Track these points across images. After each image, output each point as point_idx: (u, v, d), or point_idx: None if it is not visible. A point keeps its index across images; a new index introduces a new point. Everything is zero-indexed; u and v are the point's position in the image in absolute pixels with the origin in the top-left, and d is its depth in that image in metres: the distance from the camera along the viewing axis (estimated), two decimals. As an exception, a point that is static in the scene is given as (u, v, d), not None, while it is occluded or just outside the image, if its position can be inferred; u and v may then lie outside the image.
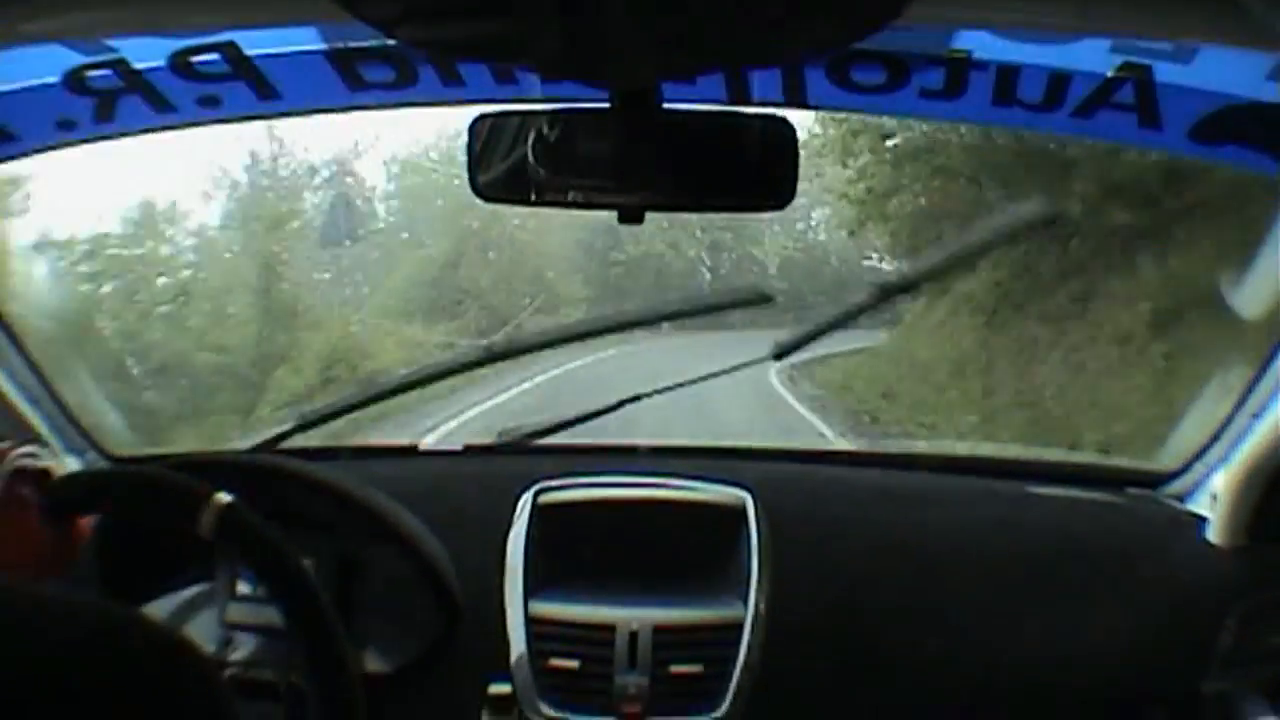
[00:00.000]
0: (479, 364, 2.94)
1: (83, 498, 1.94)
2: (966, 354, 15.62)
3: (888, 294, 2.63)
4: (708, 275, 26.43)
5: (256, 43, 2.10)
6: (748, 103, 2.22)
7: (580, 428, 2.89)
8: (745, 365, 2.94)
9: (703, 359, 3.08)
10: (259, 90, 2.22)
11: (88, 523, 1.97)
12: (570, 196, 1.76)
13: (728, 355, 3.01)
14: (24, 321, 2.53)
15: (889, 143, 16.41)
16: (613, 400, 2.91)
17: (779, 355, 2.85)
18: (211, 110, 2.28)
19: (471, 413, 13.70)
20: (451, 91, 2.26)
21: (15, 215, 12.48)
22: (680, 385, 2.99)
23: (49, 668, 1.12)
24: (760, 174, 1.76)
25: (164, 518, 1.97)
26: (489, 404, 14.23)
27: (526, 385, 15.56)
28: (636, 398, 2.95)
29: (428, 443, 3.06)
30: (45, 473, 1.87)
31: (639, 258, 24.81)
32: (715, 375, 3.02)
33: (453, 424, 12.64)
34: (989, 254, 2.92)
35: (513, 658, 2.39)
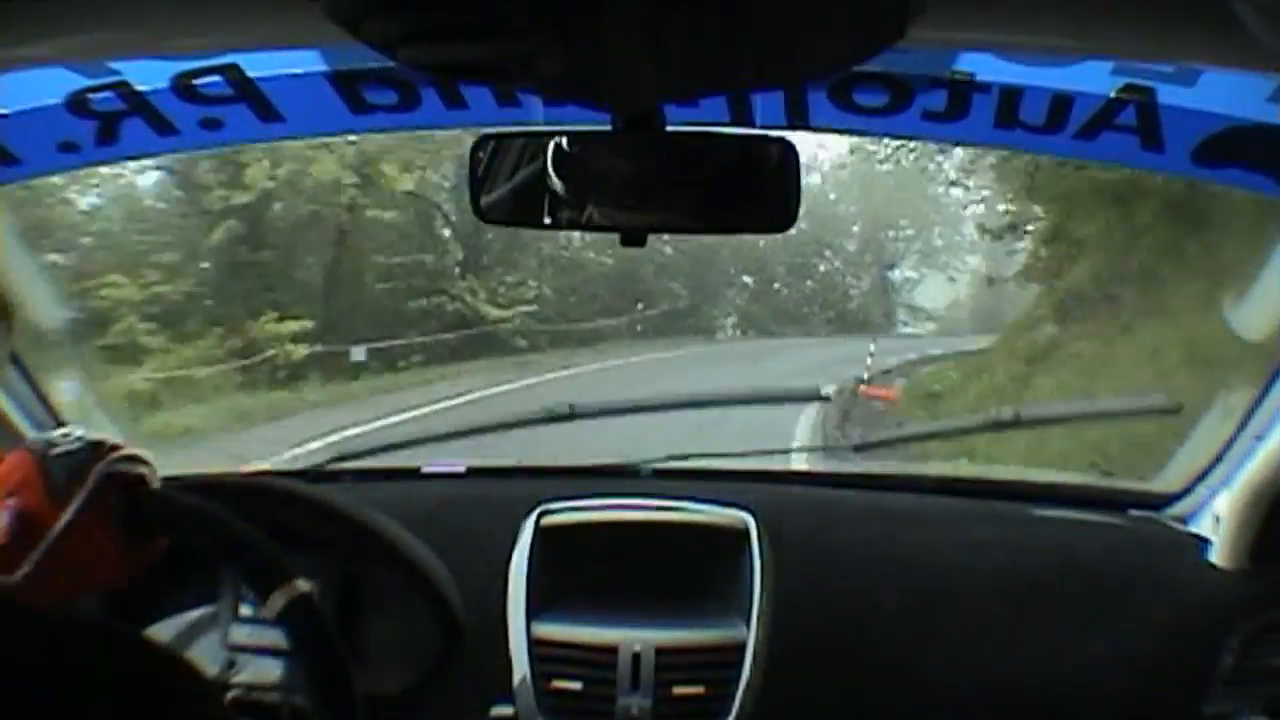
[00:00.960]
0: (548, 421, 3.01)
1: (171, 524, 1.87)
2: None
3: (995, 427, 2.70)
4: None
5: (259, 65, 2.10)
6: (750, 125, 2.22)
7: (580, 448, 2.91)
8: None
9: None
10: (261, 113, 2.22)
11: (163, 542, 1.91)
12: (571, 218, 1.77)
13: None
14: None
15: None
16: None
17: (859, 448, 2.94)
18: (214, 133, 2.28)
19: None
20: (454, 114, 2.26)
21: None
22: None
23: (53, 687, 1.12)
24: (763, 195, 1.77)
25: (239, 574, 1.96)
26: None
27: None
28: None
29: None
30: (139, 481, 1.82)
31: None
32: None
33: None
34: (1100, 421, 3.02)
35: (515, 679, 2.39)
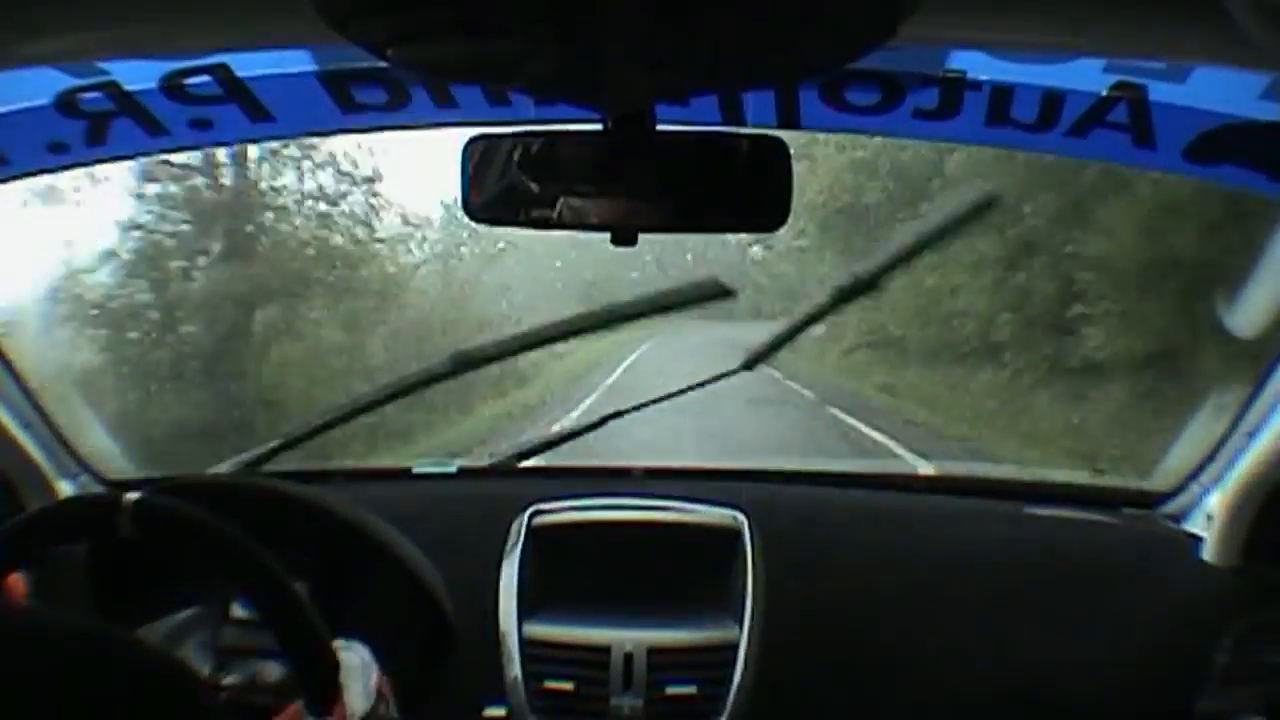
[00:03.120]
0: (452, 374, 2.93)
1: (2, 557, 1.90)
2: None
3: (847, 295, 2.63)
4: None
5: (248, 65, 2.09)
6: (741, 124, 2.22)
7: (571, 449, 2.90)
8: (720, 377, 2.94)
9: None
10: (251, 112, 2.22)
11: (16, 579, 1.95)
12: (563, 218, 1.76)
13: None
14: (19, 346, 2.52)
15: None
16: (593, 419, 2.93)
17: (749, 365, 2.85)
18: (203, 132, 2.27)
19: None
20: (444, 113, 2.25)
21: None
22: (659, 400, 3.00)
23: (43, 689, 1.12)
24: (754, 195, 1.76)
25: (86, 535, 1.97)
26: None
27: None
28: (618, 414, 2.95)
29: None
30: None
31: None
32: (692, 389, 3.03)
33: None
34: (937, 243, 2.88)
35: (508, 680, 2.39)
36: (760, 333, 2.85)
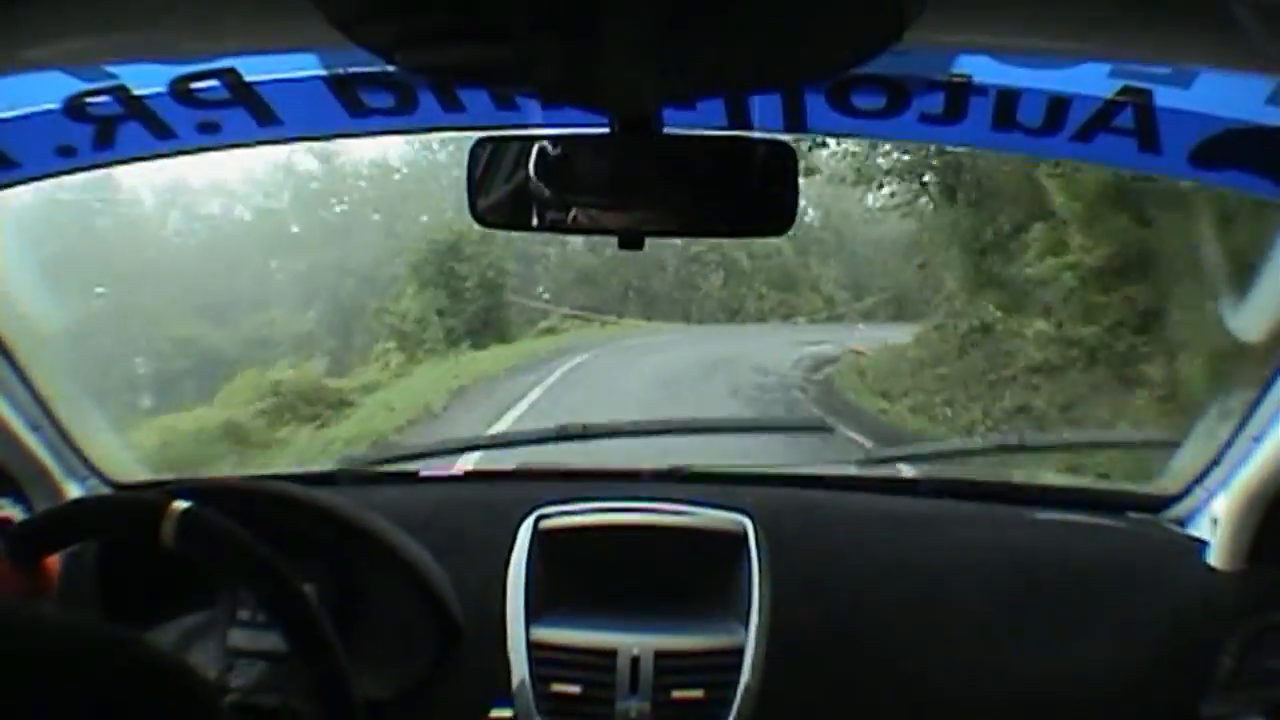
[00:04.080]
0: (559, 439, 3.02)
1: (43, 538, 1.90)
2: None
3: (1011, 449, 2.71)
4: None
5: (257, 69, 2.10)
6: (748, 128, 2.22)
7: (578, 452, 2.91)
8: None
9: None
10: (259, 116, 2.22)
11: (54, 562, 1.94)
12: (570, 221, 1.76)
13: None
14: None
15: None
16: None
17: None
18: (212, 136, 2.27)
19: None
20: (452, 117, 2.26)
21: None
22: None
23: (51, 689, 1.12)
24: (761, 198, 1.76)
25: (127, 534, 1.97)
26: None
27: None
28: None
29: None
30: (2, 521, 1.85)
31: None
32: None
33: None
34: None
35: (514, 683, 2.39)
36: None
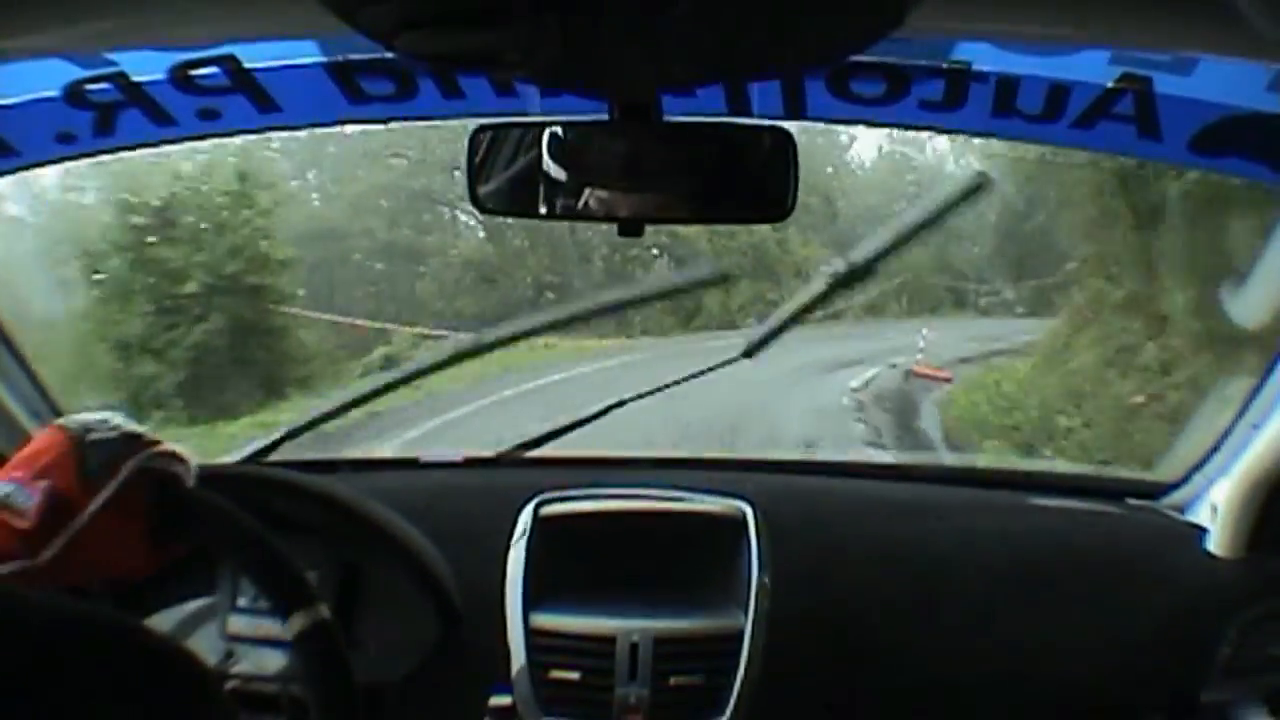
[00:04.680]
0: (452, 362, 2.94)
1: (201, 528, 1.86)
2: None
3: (843, 281, 2.63)
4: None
5: (256, 55, 2.10)
6: (748, 114, 2.22)
7: (577, 440, 2.90)
8: (721, 365, 2.95)
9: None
10: (259, 103, 2.22)
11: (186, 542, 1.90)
12: (568, 208, 1.76)
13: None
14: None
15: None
16: (596, 407, 2.93)
17: (749, 353, 2.85)
18: (211, 123, 2.28)
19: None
20: (451, 104, 2.26)
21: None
22: (662, 388, 3.01)
23: (49, 676, 1.12)
24: (761, 185, 1.76)
25: (261, 588, 1.94)
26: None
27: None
28: (621, 403, 2.95)
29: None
30: (174, 479, 1.80)
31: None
32: (694, 376, 3.03)
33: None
34: (931, 228, 2.88)
35: (513, 669, 2.39)
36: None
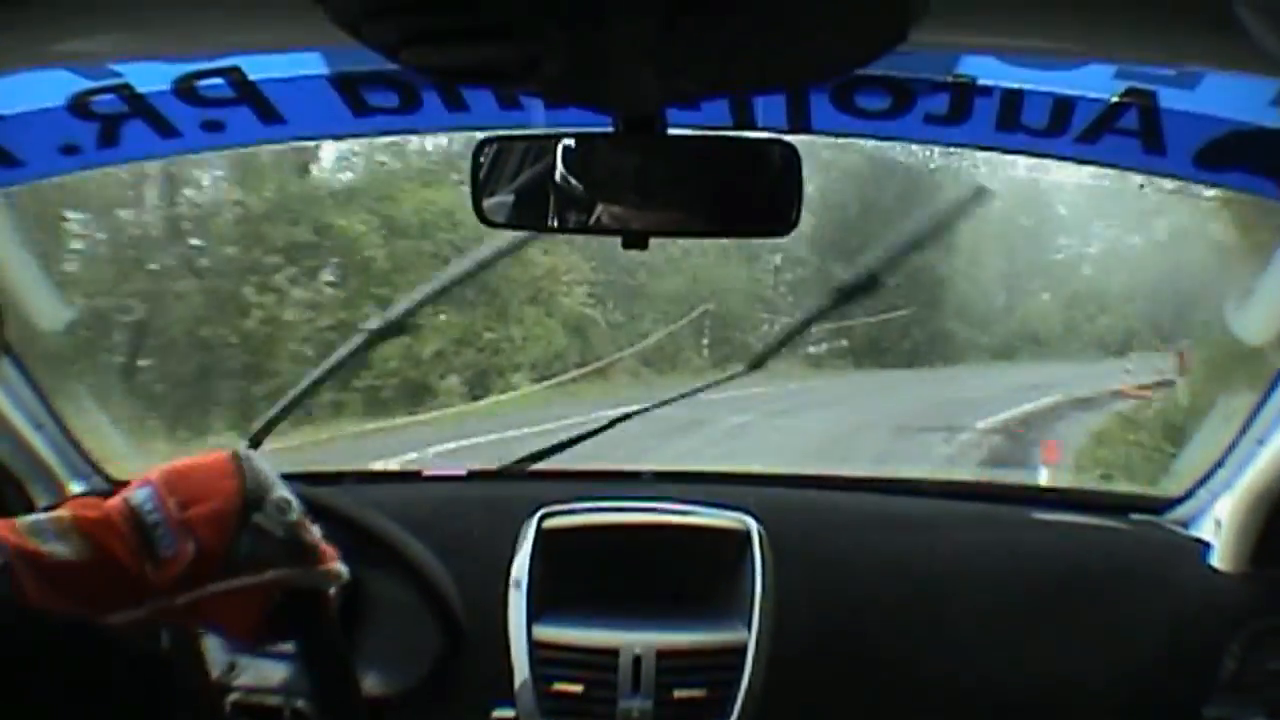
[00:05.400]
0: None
1: (308, 638, 1.85)
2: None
3: (849, 294, 2.63)
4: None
5: (261, 67, 2.10)
6: (752, 128, 2.22)
7: (584, 452, 2.90)
8: (727, 379, 2.94)
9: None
10: (263, 115, 2.22)
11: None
12: (573, 221, 1.76)
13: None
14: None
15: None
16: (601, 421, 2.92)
17: (754, 366, 2.85)
18: (216, 135, 2.27)
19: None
20: (455, 117, 2.26)
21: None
22: (667, 402, 3.00)
23: (53, 691, 1.13)
24: (765, 199, 1.76)
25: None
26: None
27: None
28: (627, 416, 2.95)
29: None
30: (315, 596, 1.79)
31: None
32: (700, 390, 3.02)
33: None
34: (933, 238, 2.87)
35: (516, 682, 2.39)
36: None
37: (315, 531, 1.78)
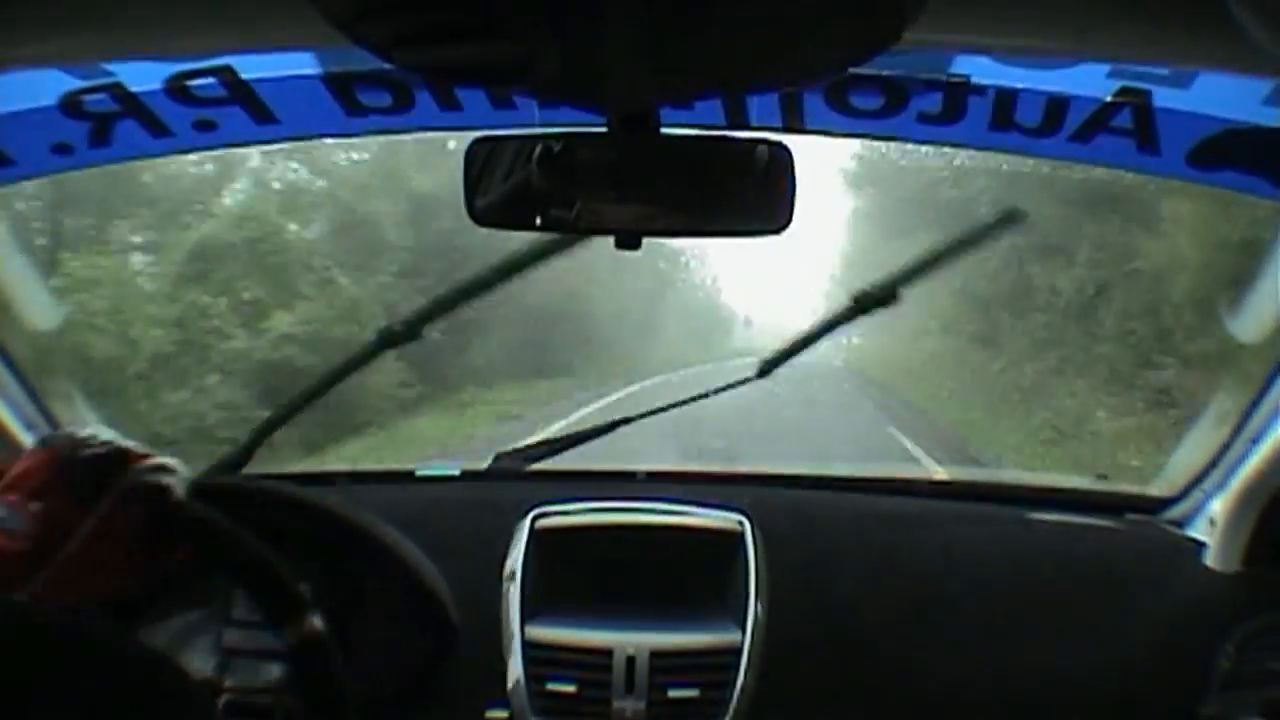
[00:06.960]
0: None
1: (196, 539, 1.86)
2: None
3: (865, 305, 2.62)
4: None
5: (253, 67, 2.09)
6: (746, 127, 2.22)
7: (576, 452, 2.89)
8: (733, 385, 2.93)
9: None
10: (255, 115, 2.22)
11: (180, 553, 1.89)
12: (567, 221, 1.76)
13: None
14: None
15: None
16: (599, 424, 2.91)
17: (763, 372, 2.84)
18: (208, 135, 2.27)
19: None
20: (448, 116, 2.26)
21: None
22: (669, 407, 2.99)
23: (44, 691, 1.12)
24: (759, 198, 1.76)
25: (255, 598, 1.94)
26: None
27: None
28: (626, 420, 2.94)
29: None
30: (164, 491, 1.79)
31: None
32: (704, 396, 3.01)
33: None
34: (957, 257, 2.82)
35: (510, 682, 2.39)
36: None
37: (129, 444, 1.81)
